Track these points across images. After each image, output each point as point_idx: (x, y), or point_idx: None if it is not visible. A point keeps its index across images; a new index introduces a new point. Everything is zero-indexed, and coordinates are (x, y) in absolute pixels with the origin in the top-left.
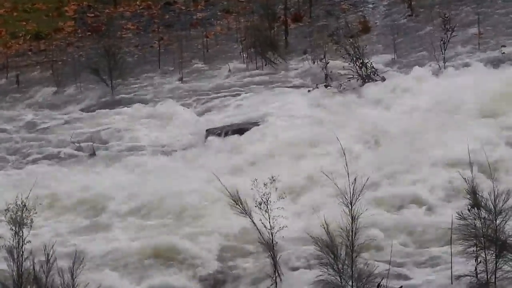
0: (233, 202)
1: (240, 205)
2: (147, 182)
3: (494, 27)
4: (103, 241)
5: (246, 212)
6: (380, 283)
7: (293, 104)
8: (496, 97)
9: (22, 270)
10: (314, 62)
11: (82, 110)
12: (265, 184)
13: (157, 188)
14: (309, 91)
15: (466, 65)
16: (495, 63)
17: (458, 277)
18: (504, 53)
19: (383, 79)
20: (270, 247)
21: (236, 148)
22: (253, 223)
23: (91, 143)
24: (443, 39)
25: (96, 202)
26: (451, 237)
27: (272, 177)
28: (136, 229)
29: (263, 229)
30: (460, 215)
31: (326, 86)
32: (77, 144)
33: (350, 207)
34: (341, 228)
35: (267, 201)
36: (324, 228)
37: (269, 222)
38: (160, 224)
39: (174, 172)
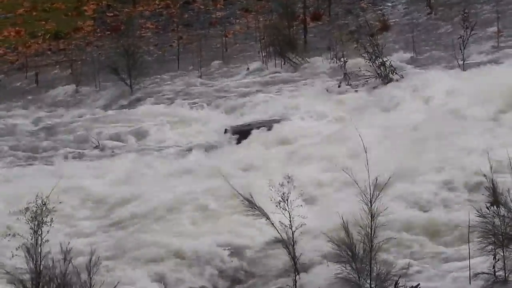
0: (247, 202)
1: (255, 206)
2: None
3: None
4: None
5: (262, 213)
6: (397, 281)
7: (313, 102)
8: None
9: (41, 268)
10: (333, 61)
11: (101, 108)
12: (281, 184)
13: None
14: (326, 90)
15: (485, 63)
16: None
17: (476, 275)
18: None
19: (402, 77)
20: (290, 245)
21: (254, 147)
22: (271, 222)
23: (111, 141)
24: (463, 37)
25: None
26: (468, 235)
27: (288, 176)
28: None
29: (282, 227)
30: (479, 213)
31: (345, 85)
32: (97, 143)
33: (369, 205)
34: (360, 226)
35: (286, 199)
36: (343, 226)
37: (289, 220)
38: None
39: (192, 172)
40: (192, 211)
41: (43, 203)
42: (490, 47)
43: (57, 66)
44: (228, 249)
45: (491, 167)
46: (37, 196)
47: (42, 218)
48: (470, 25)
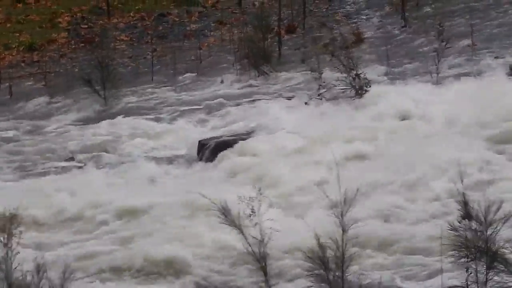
0: (222, 214)
1: (228, 218)
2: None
3: (488, 38)
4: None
5: (235, 225)
6: None
7: (286, 115)
8: (489, 109)
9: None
10: (307, 73)
11: (74, 121)
12: (252, 197)
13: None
14: (305, 103)
15: (460, 76)
16: (489, 74)
17: None
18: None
19: (375, 90)
20: (260, 259)
21: (226, 160)
22: (243, 235)
23: (83, 154)
24: (437, 50)
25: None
26: (441, 248)
27: (259, 189)
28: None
29: (252, 241)
30: (451, 226)
31: (320, 97)
32: (68, 155)
33: (340, 218)
34: (332, 239)
35: (256, 212)
36: (316, 239)
37: (259, 234)
38: (148, 233)
39: (165, 183)
40: (166, 223)
41: (11, 215)
42: (464, 60)
43: (31, 78)
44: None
45: (462, 181)
46: (5, 208)
47: (11, 231)
48: (444, 38)
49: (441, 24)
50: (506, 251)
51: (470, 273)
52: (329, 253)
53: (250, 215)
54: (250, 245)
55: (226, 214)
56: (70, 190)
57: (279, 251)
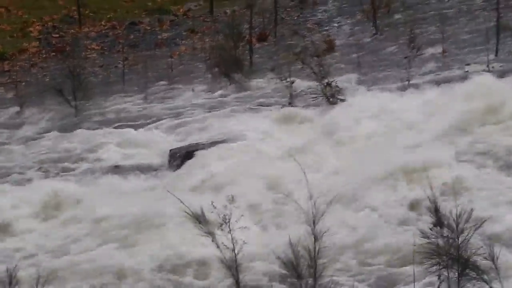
0: (195, 222)
1: (203, 225)
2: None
3: (458, 46)
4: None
5: (208, 232)
6: None
7: (257, 123)
8: (458, 116)
9: None
10: (279, 81)
11: (44, 130)
12: (225, 205)
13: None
14: (276, 109)
15: (431, 82)
16: (460, 81)
17: None
18: (467, 71)
19: (346, 99)
20: (232, 267)
21: (197, 168)
22: (216, 243)
23: (51, 163)
24: (408, 58)
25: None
26: (413, 256)
27: (232, 197)
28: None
29: (225, 250)
30: (422, 234)
31: (291, 105)
32: (39, 165)
33: (313, 227)
34: (304, 248)
35: (228, 221)
36: (290, 247)
37: (232, 243)
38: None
39: (136, 192)
40: (139, 230)
41: None
42: (436, 67)
43: (2, 88)
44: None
45: (432, 188)
46: None
47: None
48: (415, 45)
49: (412, 31)
50: (478, 258)
51: (442, 281)
52: (302, 261)
53: (221, 224)
54: (222, 253)
55: (201, 222)
56: (29, 201)
57: (251, 259)
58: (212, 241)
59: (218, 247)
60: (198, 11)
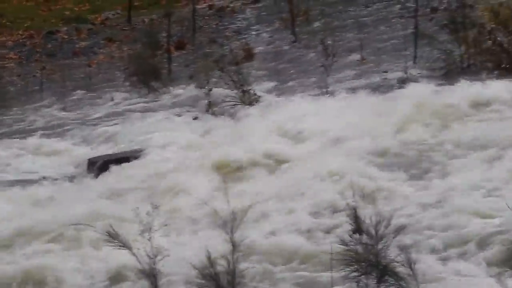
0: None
1: (117, 237)
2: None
3: (376, 53)
4: None
5: (123, 243)
6: None
7: (175, 132)
8: (375, 122)
9: None
10: (197, 90)
11: None
12: (147, 213)
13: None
14: (194, 118)
15: (349, 90)
16: (378, 88)
17: None
18: (386, 78)
19: (265, 106)
20: (151, 276)
21: (115, 177)
22: (133, 253)
23: None
24: (325, 65)
25: None
26: (331, 263)
27: (154, 205)
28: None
29: (144, 258)
30: (341, 241)
31: (209, 113)
32: None
33: (231, 235)
34: (223, 256)
35: (149, 229)
36: (206, 256)
37: (151, 251)
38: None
39: (52, 203)
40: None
41: None
42: (353, 74)
43: None
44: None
45: (353, 194)
46: None
47: None
48: (333, 52)
49: (330, 39)
50: (397, 264)
51: (361, 287)
52: (220, 269)
53: (142, 232)
54: (140, 263)
55: (113, 236)
56: None
57: (170, 268)
58: (129, 251)
59: (136, 257)
60: (116, 20)
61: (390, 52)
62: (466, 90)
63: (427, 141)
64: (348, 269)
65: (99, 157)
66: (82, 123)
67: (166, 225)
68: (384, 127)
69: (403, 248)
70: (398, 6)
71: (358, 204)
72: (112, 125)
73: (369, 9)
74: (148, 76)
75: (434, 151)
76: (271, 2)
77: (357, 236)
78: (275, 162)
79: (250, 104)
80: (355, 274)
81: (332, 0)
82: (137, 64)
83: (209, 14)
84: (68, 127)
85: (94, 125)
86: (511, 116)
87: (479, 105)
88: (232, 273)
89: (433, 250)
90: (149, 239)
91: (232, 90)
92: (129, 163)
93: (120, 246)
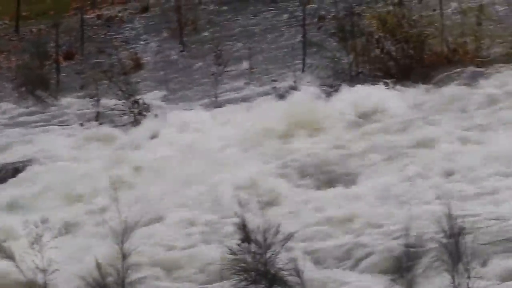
0: None
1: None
2: None
3: (265, 62)
4: None
5: (8, 255)
6: None
7: (62, 141)
8: (262, 130)
9: None
10: (86, 100)
11: None
12: (36, 226)
13: None
14: (82, 125)
15: (239, 99)
16: (268, 96)
17: None
18: (275, 87)
19: (155, 116)
20: None
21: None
22: (17, 266)
23: None
24: (214, 75)
25: None
26: (220, 273)
27: (45, 218)
28: None
29: (34, 270)
30: (230, 250)
31: (98, 123)
32: None
33: (121, 245)
34: (113, 267)
35: (39, 241)
36: (97, 267)
37: (42, 264)
38: None
39: None
40: None
41: None
42: (243, 83)
43: None
44: None
45: (240, 204)
46: None
47: None
48: (222, 62)
49: (219, 49)
50: (285, 272)
51: None
52: (110, 279)
53: (32, 243)
54: (24, 275)
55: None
56: None
57: (61, 279)
58: (16, 265)
59: (21, 270)
60: (3, 30)
61: (279, 61)
62: (353, 97)
63: (312, 148)
64: (237, 278)
65: None
66: None
67: (56, 236)
68: (269, 135)
69: (291, 257)
70: (286, 15)
71: (248, 213)
72: None
73: (258, 18)
74: (36, 87)
75: (320, 159)
76: (160, 11)
77: (245, 245)
78: (164, 172)
79: (140, 114)
80: (244, 283)
81: (220, 9)
82: (25, 74)
83: (98, 24)
84: None
85: None
86: (396, 124)
87: (365, 112)
88: (121, 283)
89: (323, 259)
90: (39, 251)
91: (120, 100)
92: (14, 174)
93: (5, 258)
